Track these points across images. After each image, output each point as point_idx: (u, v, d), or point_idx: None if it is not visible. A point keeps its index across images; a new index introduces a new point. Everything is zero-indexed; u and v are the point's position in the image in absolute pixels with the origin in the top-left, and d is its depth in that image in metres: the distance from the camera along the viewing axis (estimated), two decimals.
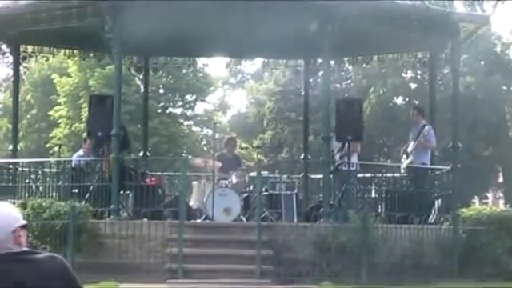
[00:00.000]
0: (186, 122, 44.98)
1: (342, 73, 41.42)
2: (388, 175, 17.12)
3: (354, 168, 16.25)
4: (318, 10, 15.70)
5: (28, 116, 44.36)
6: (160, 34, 16.73)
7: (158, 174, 18.39)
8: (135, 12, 15.47)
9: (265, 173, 17.36)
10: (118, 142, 15.63)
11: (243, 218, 15.65)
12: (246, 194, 16.41)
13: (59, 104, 40.31)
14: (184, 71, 38.94)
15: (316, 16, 15.74)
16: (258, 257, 14.28)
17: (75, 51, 20.06)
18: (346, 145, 16.20)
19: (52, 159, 20.38)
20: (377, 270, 14.46)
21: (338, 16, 15.59)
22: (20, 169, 17.32)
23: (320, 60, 18.89)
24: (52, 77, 40.60)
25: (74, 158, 17.62)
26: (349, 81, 45.39)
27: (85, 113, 31.43)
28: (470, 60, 36.88)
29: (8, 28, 17.14)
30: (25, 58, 18.57)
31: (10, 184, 16.93)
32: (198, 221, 15.69)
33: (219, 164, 16.47)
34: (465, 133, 29.79)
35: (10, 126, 24.93)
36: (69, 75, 39.43)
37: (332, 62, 18.77)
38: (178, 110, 43.86)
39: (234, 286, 13.49)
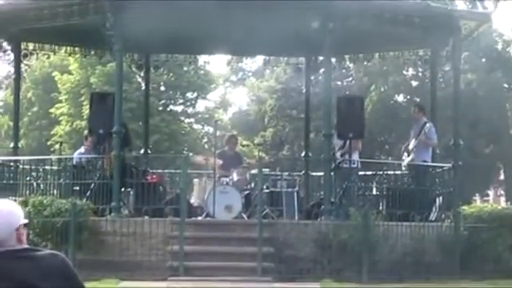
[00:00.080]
0: (187, 120, 44.98)
1: (343, 70, 41.38)
2: (389, 173, 17.12)
3: (355, 165, 16.26)
4: (320, 8, 15.70)
5: (29, 113, 44.37)
6: (161, 31, 16.72)
7: (159, 171, 18.37)
8: (136, 9, 15.49)
9: (266, 170, 17.36)
10: (119, 140, 15.64)
11: (244, 216, 15.65)
12: (247, 192, 16.42)
13: (60, 101, 40.32)
14: (185, 69, 39.00)
15: (317, 14, 15.74)
16: (259, 254, 14.28)
17: (76, 49, 20.05)
18: (347, 142, 16.19)
19: (53, 157, 20.42)
20: (378, 267, 14.46)
21: (339, 14, 15.60)
22: (21, 166, 17.32)
23: (321, 57, 18.87)
24: (53, 74, 40.60)
25: (75, 155, 17.61)
26: (350, 78, 45.38)
27: (86, 110, 31.41)
28: (471, 57, 36.87)
29: (9, 25, 17.15)
30: (26, 56, 18.57)
31: (11, 182, 16.93)
32: (199, 218, 15.70)
33: (220, 161, 16.47)
34: (466, 130, 29.80)
35: (11, 124, 24.88)
36: (70, 73, 39.43)
37: (333, 60, 18.76)
38: (179, 108, 43.88)
39: (235, 284, 13.49)
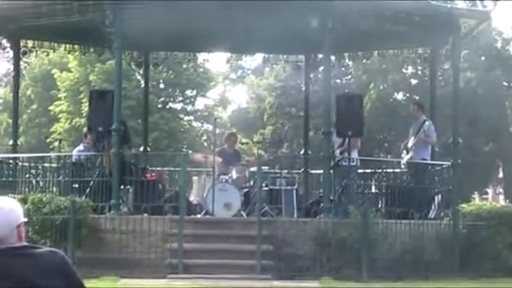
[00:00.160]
0: (186, 117, 44.98)
1: (343, 68, 41.38)
2: (388, 171, 17.14)
3: (355, 163, 16.25)
4: (319, 6, 15.69)
5: (28, 111, 44.37)
6: (160, 28, 16.71)
7: (159, 169, 18.38)
8: (136, 7, 15.48)
9: (265, 168, 17.34)
10: (119, 137, 15.64)
11: (243, 213, 15.66)
12: (246, 189, 16.42)
13: (59, 99, 40.33)
14: (184, 66, 39.00)
15: (317, 12, 15.73)
16: (259, 252, 14.28)
17: (76, 46, 20.02)
18: (347, 140, 16.19)
19: (52, 154, 20.40)
20: (377, 265, 14.46)
21: (338, 12, 15.60)
22: (20, 164, 17.33)
23: (320, 55, 18.86)
24: (52, 72, 40.59)
25: (75, 152, 17.62)
26: (349, 76, 45.37)
27: (85, 108, 31.41)
28: (470, 55, 36.87)
29: (8, 23, 17.14)
30: (25, 53, 18.56)
31: (11, 179, 16.94)
32: (199, 216, 15.69)
33: (219, 159, 16.47)
34: (465, 128, 29.80)
35: (11, 121, 24.91)
36: (69, 70, 39.43)
37: (332, 58, 18.75)
38: (179, 105, 43.89)
39: (234, 282, 13.49)
